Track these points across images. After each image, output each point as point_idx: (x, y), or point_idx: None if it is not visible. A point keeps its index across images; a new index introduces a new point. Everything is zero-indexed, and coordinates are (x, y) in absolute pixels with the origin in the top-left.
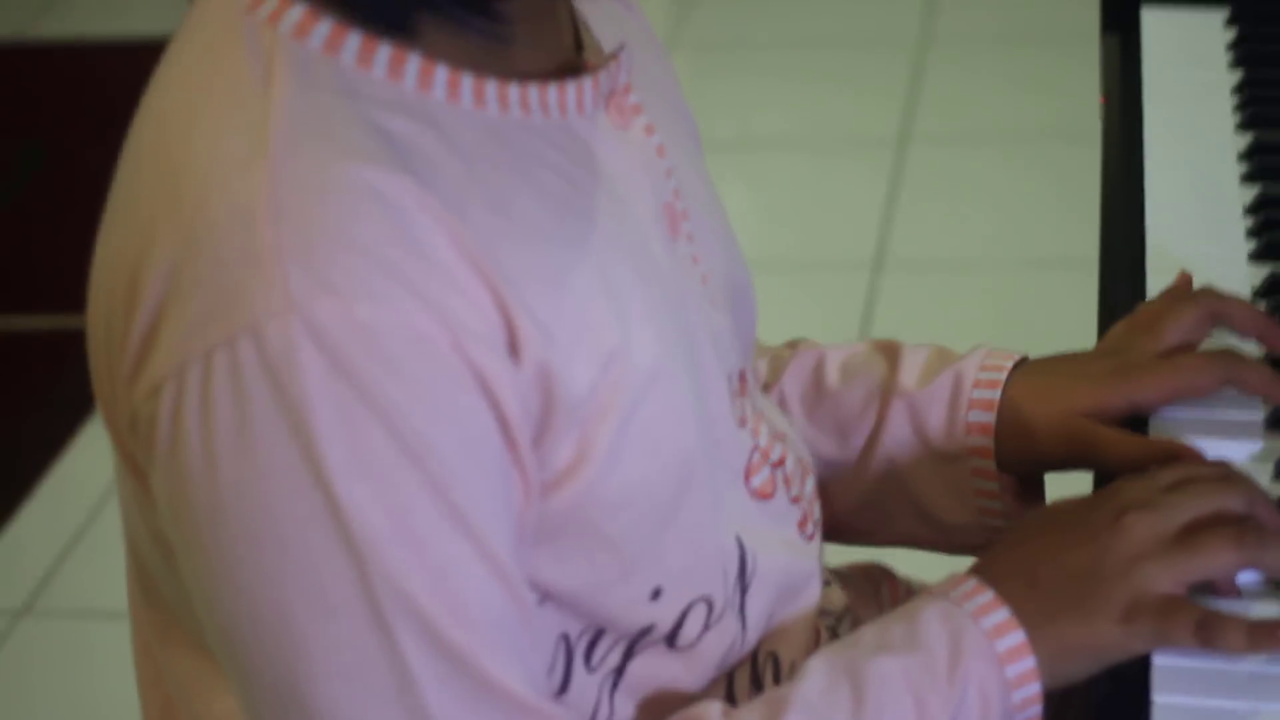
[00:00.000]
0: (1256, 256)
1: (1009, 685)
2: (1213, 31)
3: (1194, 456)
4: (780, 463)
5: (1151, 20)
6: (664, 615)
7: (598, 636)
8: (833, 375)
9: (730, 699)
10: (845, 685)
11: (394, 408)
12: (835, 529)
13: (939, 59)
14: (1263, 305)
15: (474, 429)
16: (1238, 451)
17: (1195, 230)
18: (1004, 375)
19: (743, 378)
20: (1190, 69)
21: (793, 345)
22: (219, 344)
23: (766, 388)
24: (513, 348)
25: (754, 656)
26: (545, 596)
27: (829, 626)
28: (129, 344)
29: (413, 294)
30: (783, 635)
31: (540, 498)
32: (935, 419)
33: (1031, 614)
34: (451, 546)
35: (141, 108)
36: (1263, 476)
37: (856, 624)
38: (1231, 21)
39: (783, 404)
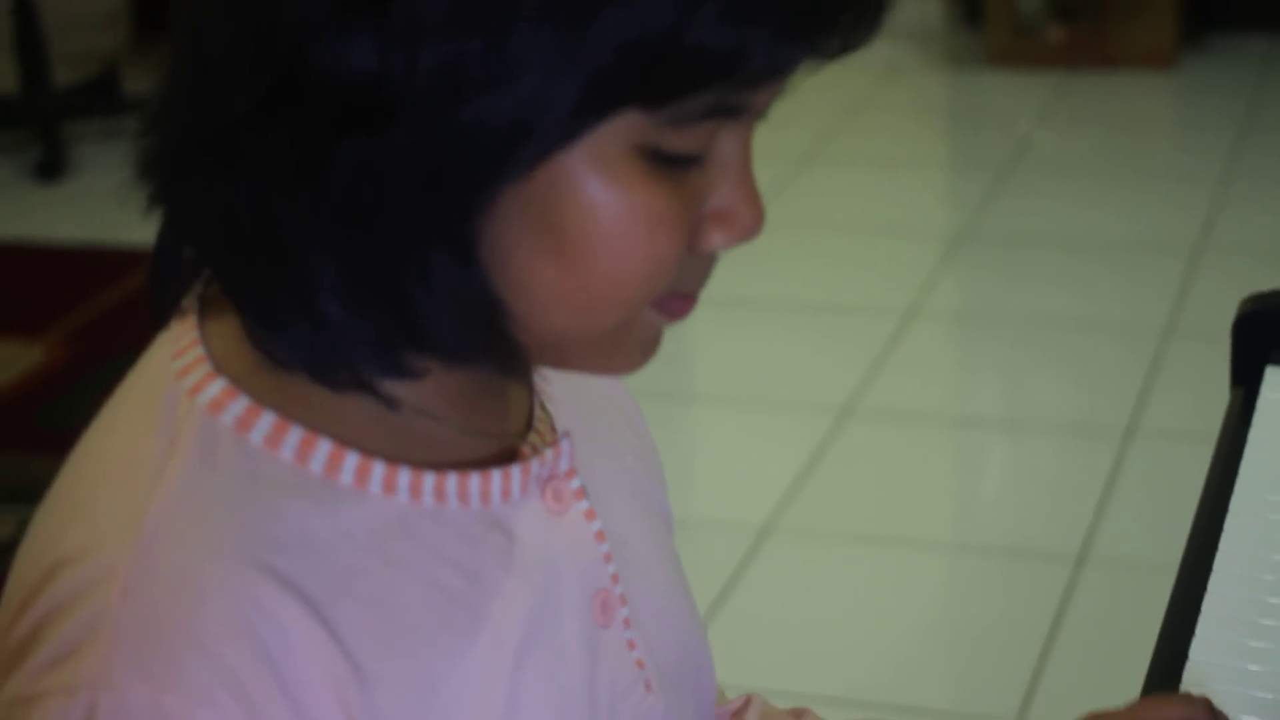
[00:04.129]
0: None
1: None
2: None
3: None
4: None
5: (1276, 379)
6: None
7: None
8: None
9: None
10: None
11: None
12: None
13: (1181, 351)
14: None
15: None
16: None
17: (1265, 614)
18: None
19: None
20: None
21: (798, 715)
22: (44, 695)
23: None
24: None
25: None
26: None
27: None
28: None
29: (236, 698)
30: None
31: None
32: None
33: None
34: None
35: (79, 444)
36: None
37: None
38: None
39: None
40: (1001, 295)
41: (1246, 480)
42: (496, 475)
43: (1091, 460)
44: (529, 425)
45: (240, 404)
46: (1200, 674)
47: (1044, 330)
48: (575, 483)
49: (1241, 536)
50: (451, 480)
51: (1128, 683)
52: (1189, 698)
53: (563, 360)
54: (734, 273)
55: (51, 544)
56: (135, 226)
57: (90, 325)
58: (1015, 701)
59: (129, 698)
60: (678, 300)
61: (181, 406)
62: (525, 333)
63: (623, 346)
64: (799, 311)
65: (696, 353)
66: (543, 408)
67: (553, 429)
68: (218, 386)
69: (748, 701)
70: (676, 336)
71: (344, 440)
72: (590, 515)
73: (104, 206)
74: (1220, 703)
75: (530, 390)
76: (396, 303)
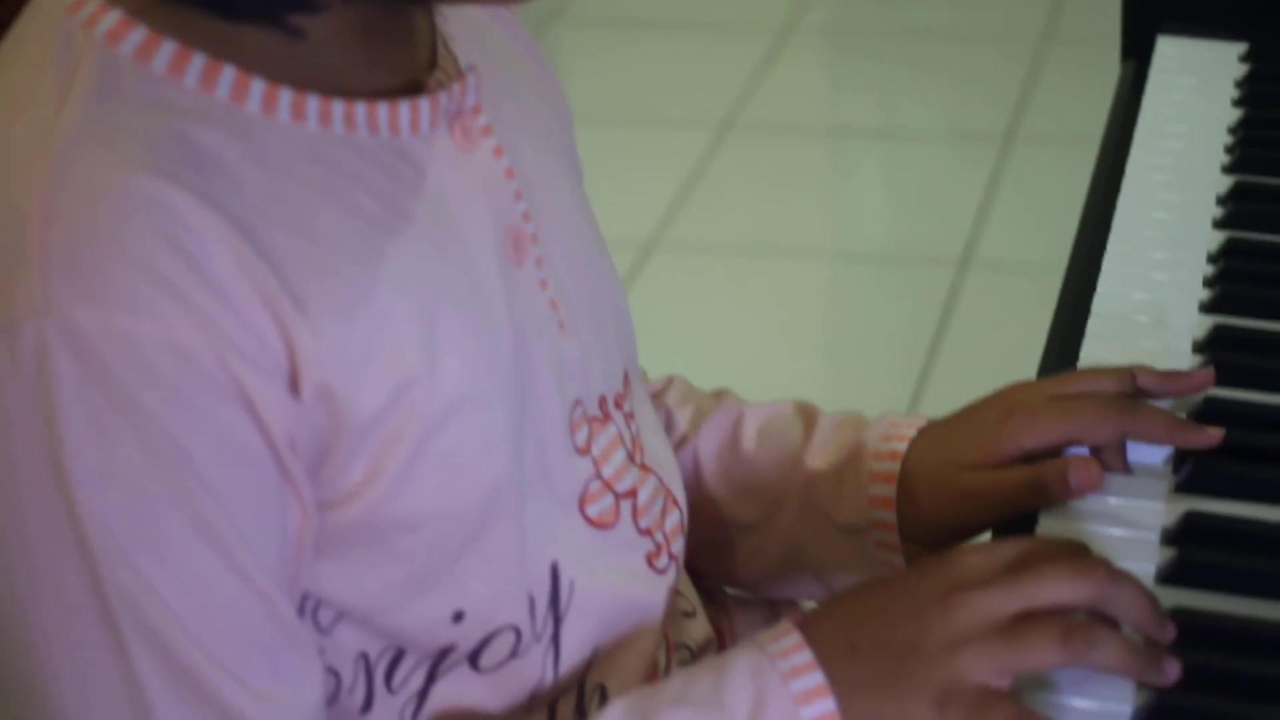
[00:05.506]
0: (1208, 308)
1: None
2: (1226, 66)
3: (1081, 465)
4: (631, 493)
5: (1166, 48)
6: (466, 638)
7: (398, 657)
8: (749, 438)
9: None
10: None
11: (148, 417)
12: (742, 586)
13: (1059, 57)
14: (1203, 359)
15: (235, 445)
16: (1135, 513)
17: (1154, 269)
18: (905, 445)
19: (603, 403)
20: (1195, 102)
21: (719, 395)
22: None
23: (684, 439)
24: (291, 372)
25: (581, 687)
26: (340, 614)
27: (683, 662)
28: None
29: (180, 306)
30: (613, 667)
31: (323, 513)
32: (837, 493)
33: (845, 682)
34: (198, 561)
35: None
36: (1156, 539)
37: (721, 650)
38: (1246, 58)
39: (697, 459)
40: (876, 9)
41: (1140, 144)
42: (404, 106)
43: (972, 166)
44: (433, 64)
45: (139, 33)
46: (1092, 327)
47: (919, 42)
48: (482, 119)
49: (1133, 199)
50: (360, 109)
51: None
52: (1118, 370)
53: None
54: None
55: None
56: None
57: None
58: (903, 404)
59: (78, 323)
60: None
61: (77, 40)
62: None
63: None
64: (672, 30)
65: (574, 73)
66: (446, 47)
67: (457, 67)
68: (113, 17)
69: (669, 382)
70: (551, 57)
71: (247, 70)
72: (498, 152)
73: None
74: (1107, 349)
75: (433, 29)
76: None
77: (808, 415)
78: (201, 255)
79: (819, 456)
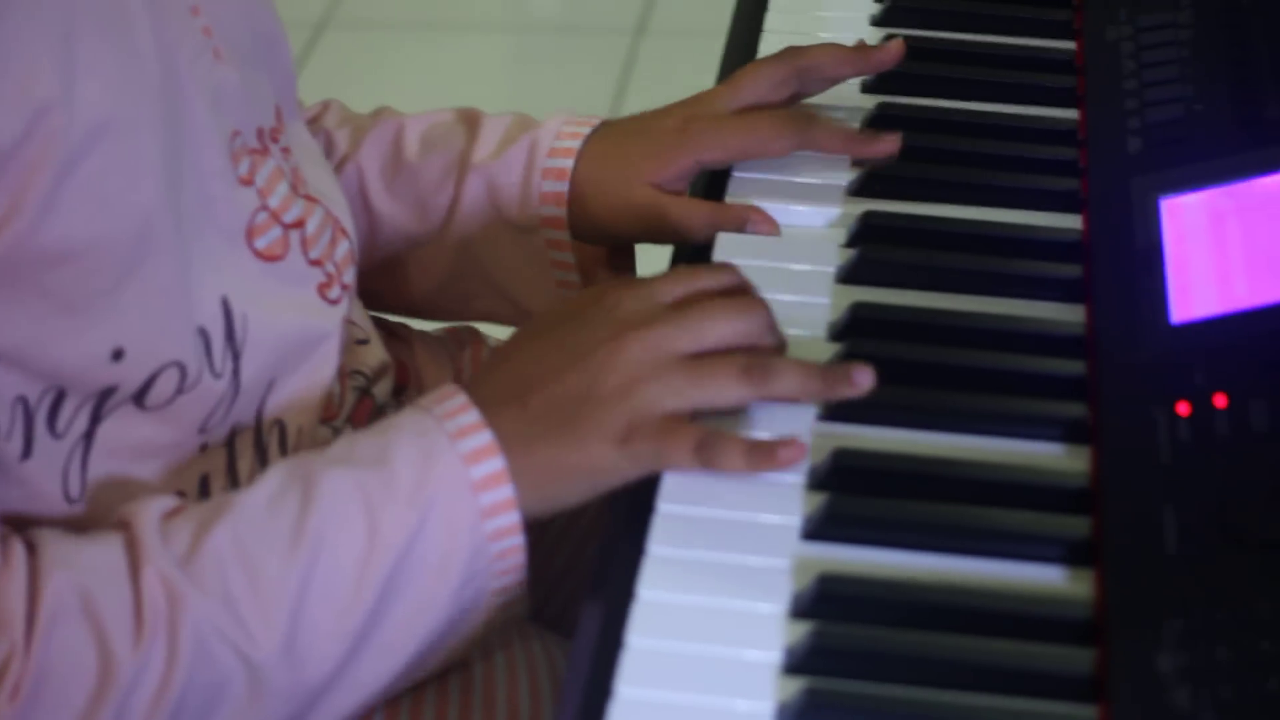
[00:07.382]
0: (878, 21)
1: (481, 513)
2: None
3: (763, 220)
4: (299, 224)
5: None
6: (128, 377)
7: (60, 399)
8: (412, 147)
9: (233, 469)
10: (295, 495)
11: None
12: (417, 307)
13: None
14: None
15: None
16: (816, 217)
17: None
18: (579, 142)
19: (261, 135)
20: None
21: (377, 113)
22: None
23: (345, 159)
24: None
25: (259, 424)
26: None
27: (358, 388)
28: None
29: None
30: (289, 403)
31: None
32: (509, 190)
33: (518, 438)
34: None
35: None
36: (837, 241)
37: (400, 381)
38: None
39: (361, 176)
40: None
41: None
42: None
43: None
44: None
45: None
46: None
47: None
48: None
49: None
50: None
51: None
52: (781, 54)
53: None
54: None
55: None
56: None
57: None
58: None
59: None
60: None
61: None
62: None
63: None
64: None
65: None
66: None
67: None
68: None
69: (325, 106)
70: None
71: None
72: None
73: None
74: None
75: None
76: None
77: (470, 118)
78: None
79: (488, 154)
